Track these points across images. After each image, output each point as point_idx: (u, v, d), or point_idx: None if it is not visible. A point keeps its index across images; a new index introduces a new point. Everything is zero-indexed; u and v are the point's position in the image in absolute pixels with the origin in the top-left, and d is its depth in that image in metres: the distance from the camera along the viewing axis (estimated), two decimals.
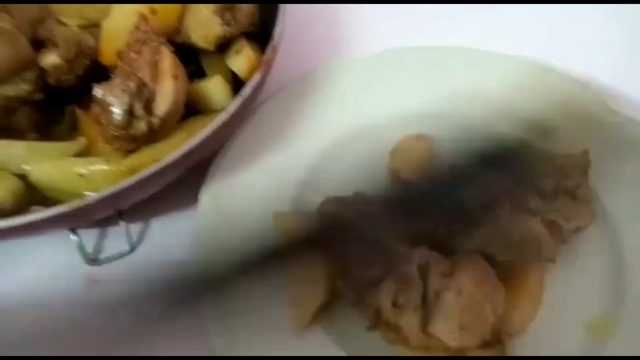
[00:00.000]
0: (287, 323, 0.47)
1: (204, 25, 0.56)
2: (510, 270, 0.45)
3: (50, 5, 0.61)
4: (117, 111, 0.48)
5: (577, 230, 0.48)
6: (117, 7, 0.57)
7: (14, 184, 0.51)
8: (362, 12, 0.75)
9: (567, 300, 0.48)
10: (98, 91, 0.50)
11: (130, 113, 0.49)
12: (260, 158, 0.57)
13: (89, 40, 0.58)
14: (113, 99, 0.48)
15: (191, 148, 0.46)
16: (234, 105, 0.49)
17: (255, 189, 0.55)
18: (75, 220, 0.49)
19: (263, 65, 0.53)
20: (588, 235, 0.50)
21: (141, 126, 0.49)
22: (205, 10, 0.56)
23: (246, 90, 0.51)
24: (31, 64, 0.56)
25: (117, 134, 0.49)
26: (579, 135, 0.55)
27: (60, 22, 0.59)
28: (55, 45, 0.57)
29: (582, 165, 0.49)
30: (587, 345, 0.46)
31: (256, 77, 0.52)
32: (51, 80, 0.57)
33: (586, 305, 0.48)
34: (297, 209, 0.53)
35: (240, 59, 0.56)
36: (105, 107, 0.49)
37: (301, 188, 0.55)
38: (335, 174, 0.57)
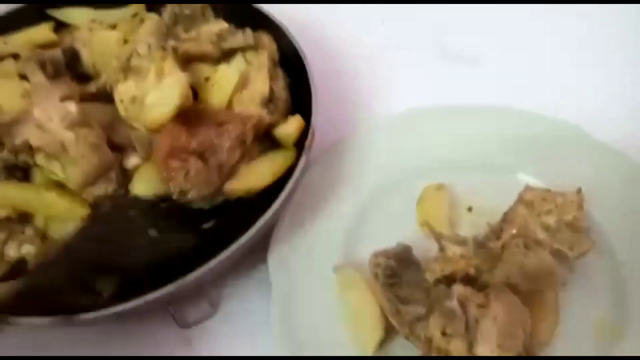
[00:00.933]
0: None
1: None
2: (530, 295, 0.56)
3: (117, 112, 0.72)
4: None
5: (580, 255, 0.58)
6: None
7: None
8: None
9: (579, 312, 0.59)
10: None
11: None
12: (311, 219, 0.68)
13: (158, 140, 0.70)
14: None
15: (264, 223, 0.58)
16: (286, 191, 0.61)
17: (312, 247, 0.66)
18: (175, 298, 0.60)
19: (306, 149, 0.64)
20: (590, 258, 0.60)
21: None
22: (252, 105, 0.68)
23: (296, 173, 0.62)
24: (113, 165, 0.68)
25: None
26: (575, 172, 0.66)
27: (132, 127, 0.70)
28: (134, 149, 0.68)
29: (578, 200, 0.60)
30: (601, 347, 0.57)
31: (303, 161, 0.63)
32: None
33: (595, 315, 0.59)
34: (351, 261, 0.64)
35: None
36: None
37: (349, 241, 0.66)
38: (375, 226, 0.68)
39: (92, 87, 0.74)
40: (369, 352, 0.57)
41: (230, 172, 0.63)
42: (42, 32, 0.80)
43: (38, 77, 0.73)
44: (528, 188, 0.62)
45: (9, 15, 0.81)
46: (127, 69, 0.69)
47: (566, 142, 0.71)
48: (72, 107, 0.68)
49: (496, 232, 0.60)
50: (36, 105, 0.68)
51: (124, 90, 0.68)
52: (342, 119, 0.80)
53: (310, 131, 0.65)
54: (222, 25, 0.78)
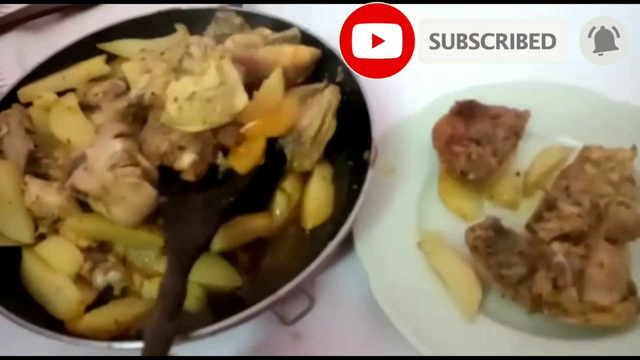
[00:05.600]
0: (457, 317, 0.62)
1: None
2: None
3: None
4: None
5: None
6: None
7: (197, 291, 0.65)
8: None
9: None
10: None
11: None
12: (383, 202, 0.72)
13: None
14: None
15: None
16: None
17: (391, 225, 0.70)
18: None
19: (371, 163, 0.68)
20: None
21: None
22: None
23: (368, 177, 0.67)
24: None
25: None
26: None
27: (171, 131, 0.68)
28: (182, 148, 0.68)
29: (632, 156, 0.66)
30: None
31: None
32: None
33: None
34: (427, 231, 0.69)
35: None
36: None
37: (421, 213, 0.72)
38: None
39: (122, 102, 0.73)
40: (474, 310, 0.62)
41: (502, 158, 0.70)
42: (96, 64, 0.82)
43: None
44: (591, 148, 0.67)
45: (64, 51, 0.84)
46: (178, 71, 0.69)
47: (588, 104, 0.78)
48: (118, 145, 0.66)
49: (562, 189, 0.65)
50: (93, 144, 0.68)
51: (180, 89, 0.67)
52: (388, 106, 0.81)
53: (373, 147, 0.69)
54: (265, 31, 0.81)
